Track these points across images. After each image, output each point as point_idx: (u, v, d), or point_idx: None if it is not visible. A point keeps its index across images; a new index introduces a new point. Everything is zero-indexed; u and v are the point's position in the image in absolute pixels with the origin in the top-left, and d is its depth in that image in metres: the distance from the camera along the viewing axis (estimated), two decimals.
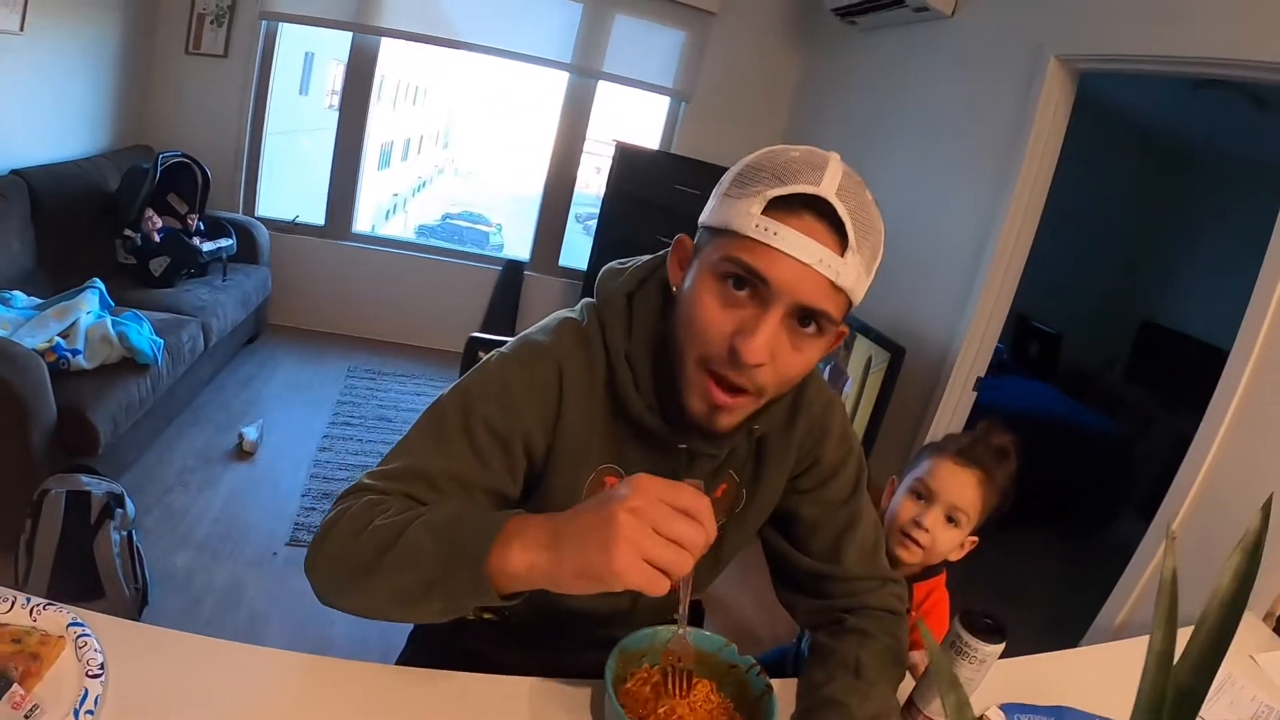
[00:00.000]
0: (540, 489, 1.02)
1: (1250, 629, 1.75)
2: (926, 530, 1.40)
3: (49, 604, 0.91)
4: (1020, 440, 1.46)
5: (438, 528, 0.82)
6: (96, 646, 0.86)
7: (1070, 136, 2.98)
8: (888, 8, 3.68)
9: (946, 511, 1.41)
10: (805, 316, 0.86)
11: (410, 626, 1.37)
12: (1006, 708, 1.15)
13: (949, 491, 1.41)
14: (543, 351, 0.99)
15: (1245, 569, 0.61)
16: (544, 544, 0.76)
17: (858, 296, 0.88)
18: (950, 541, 1.42)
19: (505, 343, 1.06)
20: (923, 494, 1.44)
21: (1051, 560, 4.00)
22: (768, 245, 0.82)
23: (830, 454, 1.11)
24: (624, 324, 1.00)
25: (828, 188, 0.82)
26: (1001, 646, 1.01)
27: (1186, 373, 4.87)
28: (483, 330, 4.87)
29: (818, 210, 0.83)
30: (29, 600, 0.90)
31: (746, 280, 0.85)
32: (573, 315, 1.04)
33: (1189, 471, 2.15)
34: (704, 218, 0.92)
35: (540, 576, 0.76)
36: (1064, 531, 4.25)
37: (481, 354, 1.30)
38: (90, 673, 0.83)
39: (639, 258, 1.06)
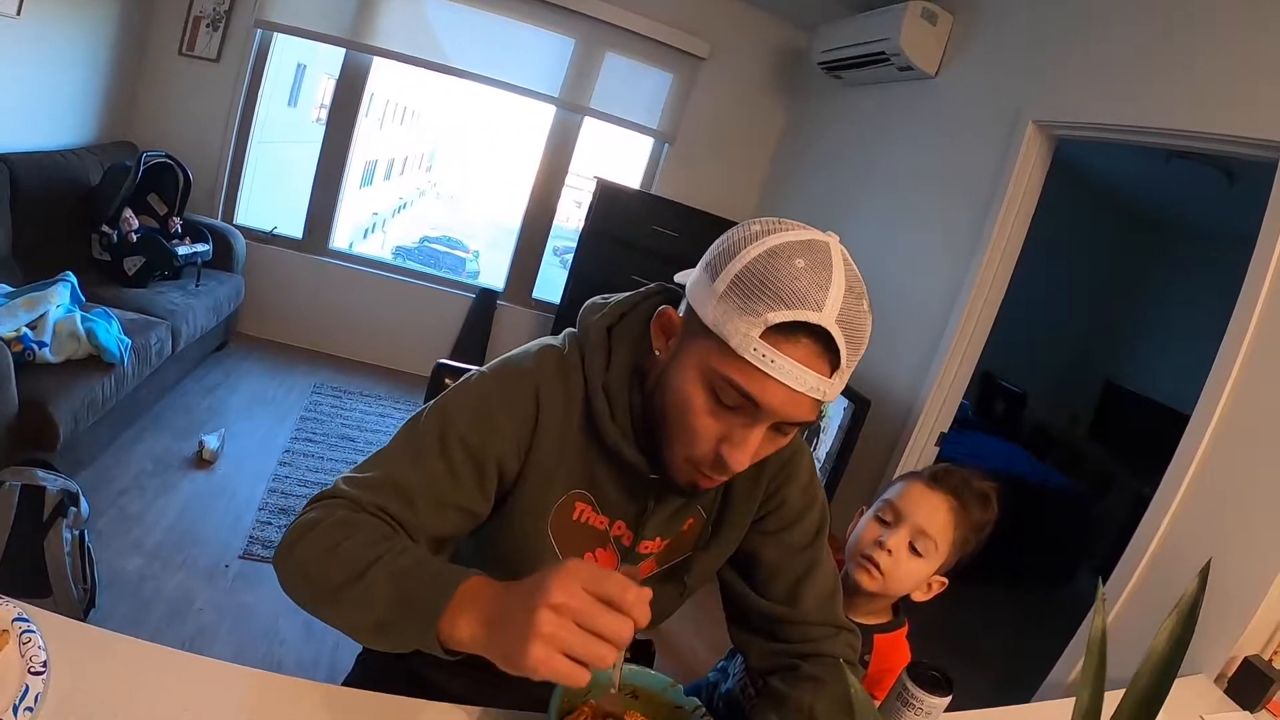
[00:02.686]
0: (507, 506, 1.03)
1: (1201, 692, 1.79)
2: (889, 552, 1.36)
3: None
4: (1000, 490, 1.43)
5: (396, 576, 0.82)
6: (41, 644, 0.85)
7: (1043, 198, 3.04)
8: (874, 65, 3.77)
9: (912, 535, 1.36)
10: (786, 424, 0.90)
11: (359, 648, 1.36)
12: None
13: (917, 513, 1.37)
14: (522, 375, 1.01)
15: (1180, 632, 0.62)
16: (483, 622, 0.77)
17: (835, 397, 0.91)
18: (914, 573, 1.38)
19: (470, 371, 1.07)
20: (888, 518, 1.40)
21: (1008, 617, 4.03)
22: (763, 372, 0.83)
23: (795, 498, 1.13)
24: (603, 356, 1.01)
25: (829, 314, 0.82)
26: (948, 699, 1.02)
27: (1147, 434, 4.97)
28: (452, 357, 4.87)
29: (816, 335, 0.83)
30: None
31: (738, 398, 0.87)
32: (555, 344, 1.05)
33: (1145, 533, 2.17)
34: (694, 299, 0.91)
35: (479, 649, 0.77)
36: (1021, 589, 4.29)
37: (449, 380, 1.32)
38: (33, 669, 0.82)
39: (619, 294, 1.08)
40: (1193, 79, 2.34)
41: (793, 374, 0.83)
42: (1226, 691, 1.79)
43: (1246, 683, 1.77)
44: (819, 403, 0.88)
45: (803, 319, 0.81)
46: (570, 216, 5.85)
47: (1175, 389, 4.95)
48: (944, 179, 3.39)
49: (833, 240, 0.88)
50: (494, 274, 5.70)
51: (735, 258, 0.86)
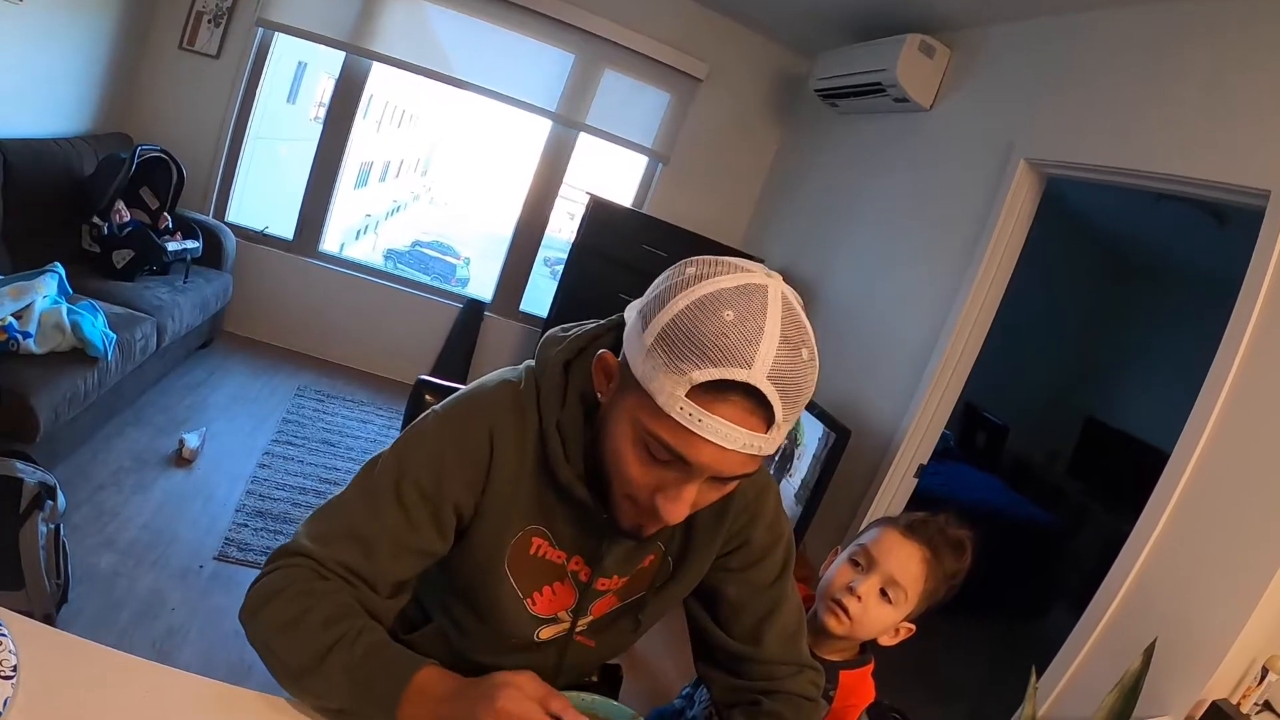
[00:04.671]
0: (465, 542, 1.04)
1: None
2: (859, 598, 1.36)
3: None
4: (975, 538, 1.43)
5: (351, 668, 0.87)
6: (11, 648, 0.84)
7: (1032, 233, 3.07)
8: (869, 95, 3.81)
9: (883, 583, 1.37)
10: (725, 479, 0.89)
11: None
12: None
13: (889, 561, 1.37)
14: (476, 415, 1.01)
15: (1120, 708, 0.63)
16: (433, 715, 0.84)
17: (775, 450, 0.88)
18: (882, 620, 1.39)
19: (454, 390, 1.08)
20: (862, 562, 1.40)
21: (979, 650, 4.03)
22: (690, 431, 0.80)
23: (760, 537, 1.12)
24: (559, 393, 1.00)
25: (759, 371, 0.78)
26: None
27: (1126, 471, 5.01)
28: (437, 365, 4.89)
29: (746, 393, 0.79)
30: None
31: (668, 454, 0.84)
32: (511, 379, 1.04)
33: (1119, 572, 2.18)
34: (628, 347, 0.88)
35: None
36: (995, 623, 4.30)
37: (429, 397, 1.34)
38: (2, 674, 0.81)
39: (582, 324, 1.06)
40: (1183, 124, 2.38)
41: (721, 433, 0.80)
42: None
43: None
44: (756, 458, 0.85)
45: (729, 377, 0.77)
46: (563, 227, 5.85)
47: (1156, 427, 5.00)
48: (934, 211, 3.43)
49: (774, 283, 0.82)
50: (483, 282, 5.69)
51: (664, 307, 0.82)
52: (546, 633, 1.09)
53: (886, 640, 1.44)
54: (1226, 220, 3.90)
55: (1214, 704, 1.82)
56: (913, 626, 1.44)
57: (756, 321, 0.78)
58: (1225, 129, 2.24)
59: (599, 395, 0.95)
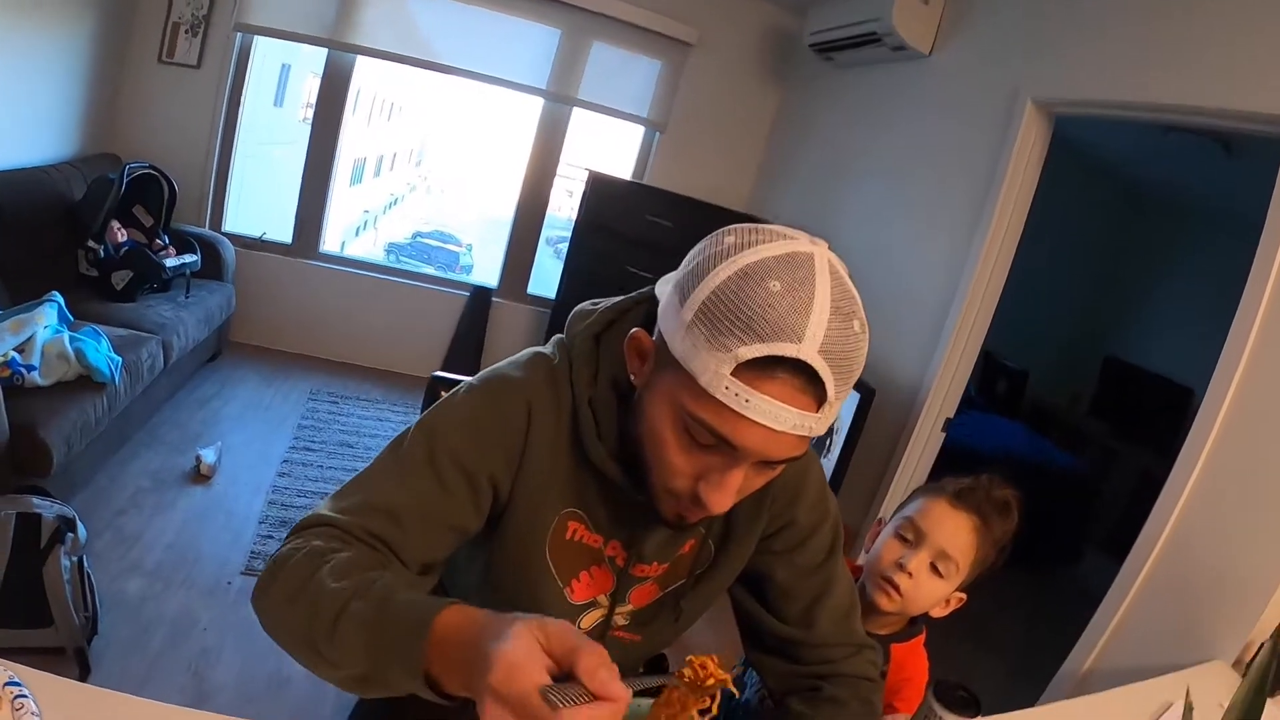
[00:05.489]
0: (501, 529, 0.98)
1: (1218, 679, 1.76)
2: (909, 574, 1.32)
3: None
4: (1020, 497, 1.39)
5: (367, 626, 0.74)
6: (34, 709, 0.82)
7: (1042, 175, 2.99)
8: (865, 45, 3.71)
9: (934, 557, 1.33)
10: (772, 462, 0.83)
11: None
12: None
13: (939, 534, 1.33)
14: (513, 386, 0.95)
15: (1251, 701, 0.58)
16: (460, 679, 0.69)
17: (826, 430, 0.83)
18: (933, 593, 1.34)
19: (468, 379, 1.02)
20: (910, 536, 1.36)
21: (1017, 601, 4.00)
22: (737, 413, 0.75)
23: (804, 517, 1.08)
24: (590, 367, 0.95)
25: (810, 345, 0.72)
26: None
27: (1148, 408, 4.96)
28: (448, 356, 4.86)
29: (796, 369, 0.74)
30: None
31: (712, 438, 0.79)
32: (545, 351, 1.00)
33: (1159, 518, 2.13)
34: (664, 324, 0.83)
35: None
36: (1029, 571, 4.27)
37: (444, 393, 1.28)
38: None
39: (609, 299, 1.01)
40: (1193, 54, 2.29)
41: (771, 413, 0.74)
42: (1244, 677, 1.76)
43: None
44: (806, 439, 0.79)
45: (779, 353, 0.72)
46: (563, 205, 5.80)
47: (1175, 362, 4.94)
48: (942, 160, 3.35)
49: (819, 250, 0.78)
50: (488, 267, 5.66)
51: (704, 280, 0.77)
52: (587, 621, 1.05)
53: (938, 612, 1.40)
54: (1234, 149, 3.81)
55: (1263, 646, 1.77)
56: (963, 596, 1.39)
57: (805, 292, 0.73)
58: (1237, 56, 2.15)
59: (632, 377, 0.89)
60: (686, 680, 0.77)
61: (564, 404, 0.95)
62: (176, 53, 4.08)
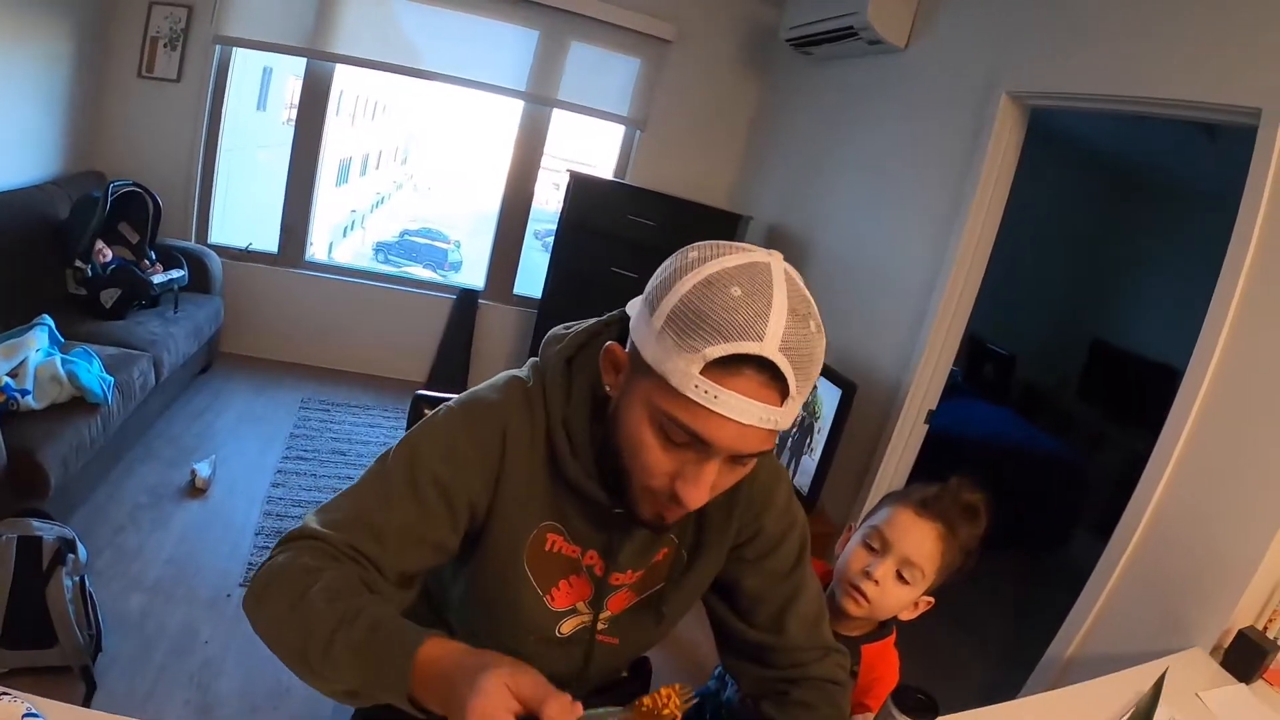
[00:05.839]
0: (482, 544, 1.04)
1: (1197, 666, 1.81)
2: (876, 582, 1.37)
3: (4, 693, 0.90)
4: (989, 500, 1.43)
5: (356, 648, 0.82)
6: None
7: (1022, 159, 3.03)
8: (842, 39, 3.74)
9: (899, 565, 1.37)
10: (743, 457, 0.89)
11: None
12: None
13: (905, 543, 1.37)
14: (489, 410, 1.01)
15: None
16: (440, 703, 0.79)
17: (791, 424, 0.89)
18: (900, 599, 1.39)
19: (450, 399, 1.08)
20: (877, 545, 1.40)
21: (1004, 585, 4.07)
22: (707, 409, 0.82)
23: (772, 525, 1.13)
24: (563, 390, 1.01)
25: (770, 344, 0.79)
26: None
27: (1135, 390, 5.01)
28: (437, 360, 4.92)
29: (759, 366, 0.81)
30: None
31: (686, 435, 0.85)
32: (520, 375, 1.06)
33: (1139, 501, 2.18)
34: (637, 335, 0.89)
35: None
36: (1017, 555, 4.33)
37: (427, 410, 1.34)
38: None
39: (581, 322, 1.07)
40: (1168, 45, 2.33)
41: (738, 408, 0.81)
42: (1222, 664, 1.82)
43: (1242, 654, 1.80)
44: (773, 433, 0.86)
45: (743, 351, 0.79)
46: (549, 199, 5.81)
47: (1162, 344, 4.99)
48: (920, 152, 3.39)
49: (775, 259, 0.85)
50: (477, 263, 5.67)
51: (671, 290, 0.84)
52: (567, 627, 1.11)
53: (906, 615, 1.45)
54: (1217, 134, 3.85)
55: (1241, 632, 1.83)
56: (931, 600, 1.44)
57: (764, 296, 0.80)
58: (1211, 48, 2.19)
59: (608, 389, 0.95)
60: (645, 708, 0.83)
61: (538, 424, 1.01)
62: (156, 67, 4.09)
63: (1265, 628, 1.86)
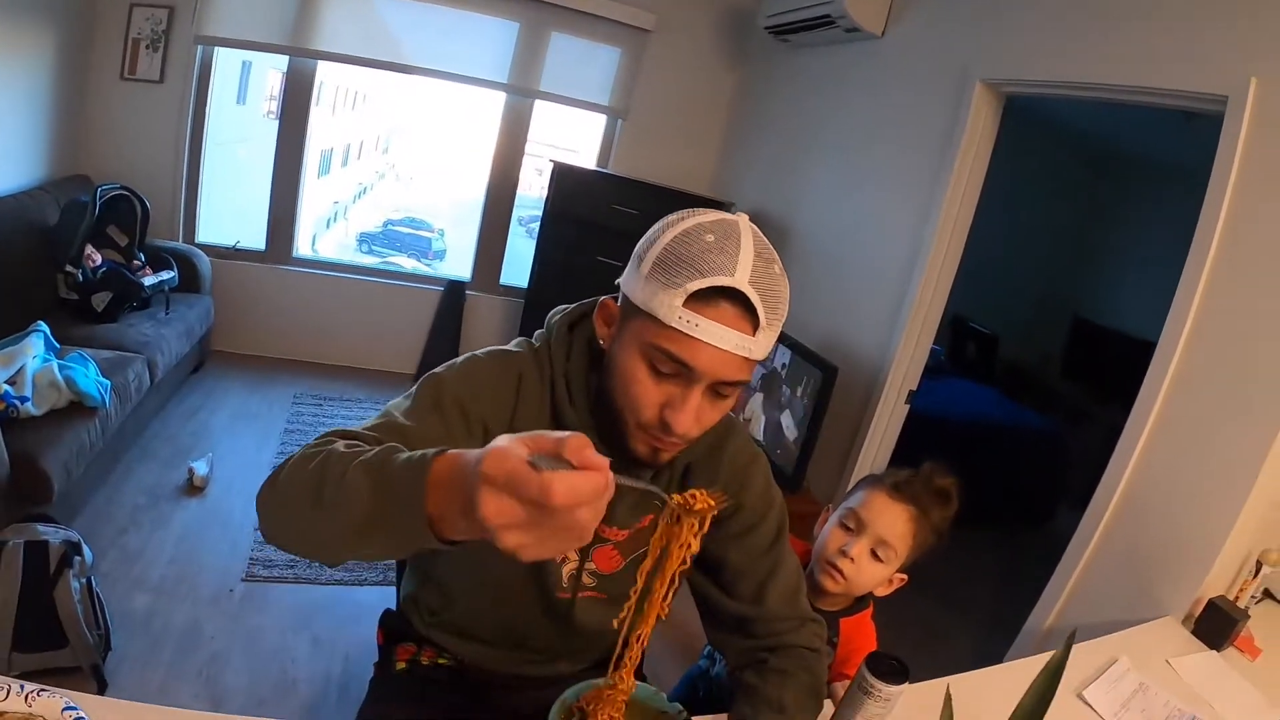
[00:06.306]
0: None
1: (1168, 635, 1.89)
2: (851, 560, 1.45)
3: (43, 689, 0.95)
4: (960, 482, 1.50)
5: (372, 469, 0.80)
6: None
7: (1001, 141, 3.09)
8: (819, 27, 3.79)
9: (874, 544, 1.45)
10: (723, 386, 1.00)
11: (370, 658, 1.46)
12: None
13: (878, 524, 1.45)
14: (508, 356, 1.16)
15: (1045, 690, 0.68)
16: (459, 514, 0.71)
17: (765, 355, 1.00)
18: (875, 576, 1.47)
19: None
20: (852, 525, 1.48)
21: (991, 560, 4.16)
22: (690, 336, 0.94)
23: (752, 502, 1.23)
24: (564, 349, 1.16)
25: (741, 277, 0.92)
26: (904, 687, 1.13)
27: (1117, 367, 5.09)
28: (426, 351, 4.97)
29: (733, 298, 0.93)
30: (23, 687, 0.94)
31: (672, 364, 0.97)
32: (529, 340, 1.20)
33: (1113, 475, 2.26)
34: (627, 287, 1.02)
35: (473, 536, 0.72)
36: (1003, 530, 4.42)
37: None
38: None
39: (580, 302, 1.21)
40: (1138, 34, 2.40)
41: (717, 334, 0.93)
42: (1194, 632, 1.90)
43: (1213, 623, 1.88)
44: (749, 362, 0.98)
45: (718, 284, 0.92)
46: (532, 184, 5.84)
47: (1141, 320, 5.06)
48: (897, 138, 3.45)
49: (741, 218, 0.99)
50: (462, 252, 5.71)
51: (655, 243, 0.98)
52: (560, 571, 1.22)
53: (881, 591, 1.53)
54: (1195, 115, 3.90)
55: (1211, 601, 1.91)
56: (904, 576, 1.53)
57: (734, 241, 0.94)
58: (1180, 37, 2.26)
59: (601, 341, 1.09)
60: (677, 503, 0.90)
61: (544, 379, 1.15)
62: (139, 69, 4.10)
63: (1236, 598, 1.94)
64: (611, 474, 0.67)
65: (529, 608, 1.25)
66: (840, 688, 1.27)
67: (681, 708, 1.09)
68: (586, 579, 1.23)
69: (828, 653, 1.28)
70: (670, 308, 0.94)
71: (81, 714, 0.94)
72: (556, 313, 1.21)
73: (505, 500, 0.64)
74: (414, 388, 1.10)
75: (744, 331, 0.94)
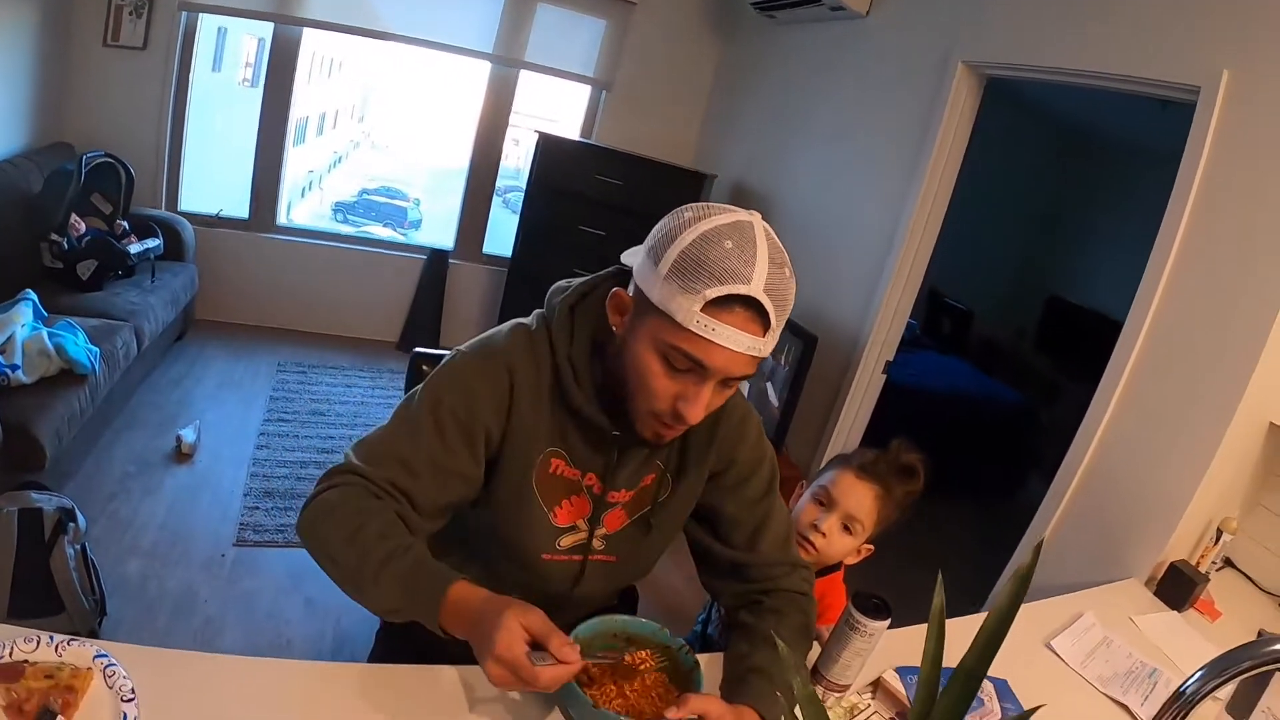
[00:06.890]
0: (497, 467, 1.21)
1: (1132, 595, 1.99)
2: (823, 534, 1.58)
3: (72, 639, 1.00)
4: (928, 460, 1.62)
5: (402, 578, 1.03)
6: (124, 674, 0.97)
7: (980, 121, 3.16)
8: (805, 4, 3.83)
9: (843, 519, 1.59)
10: (731, 379, 1.06)
11: (361, 618, 1.48)
12: (901, 670, 1.38)
13: (848, 500, 1.58)
14: (496, 353, 1.18)
15: (1017, 592, 0.76)
16: (465, 631, 0.99)
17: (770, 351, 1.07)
18: (844, 547, 1.60)
19: (448, 354, 1.24)
20: (824, 501, 1.61)
21: (966, 528, 4.27)
22: (707, 339, 0.99)
23: (745, 455, 1.31)
24: (567, 332, 1.19)
25: (756, 286, 0.97)
26: (887, 622, 1.22)
27: (1089, 343, 5.20)
28: (409, 319, 5.01)
29: (747, 304, 0.99)
30: (53, 638, 1.00)
31: (688, 362, 1.03)
32: (525, 323, 1.23)
33: (1082, 442, 2.37)
34: (642, 282, 1.06)
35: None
36: (976, 500, 4.53)
37: (425, 367, 1.56)
38: (125, 698, 0.94)
39: (580, 277, 1.24)
40: (1117, 23, 2.47)
41: (732, 338, 0.99)
42: (1156, 593, 2.00)
43: (1174, 585, 1.98)
44: (756, 358, 1.04)
45: (735, 292, 0.97)
46: (510, 154, 5.84)
47: (1112, 299, 5.16)
48: (880, 116, 3.50)
49: (755, 219, 1.03)
50: (438, 221, 5.73)
51: (673, 244, 1.01)
52: (566, 541, 1.27)
53: (851, 560, 1.67)
54: (1170, 101, 3.97)
55: (1173, 564, 2.01)
56: (871, 547, 1.67)
57: (751, 248, 0.99)
58: (1157, 28, 2.34)
59: (614, 328, 1.12)
60: (625, 664, 1.13)
61: (543, 362, 1.19)
62: (121, 35, 4.05)
63: (1198, 563, 2.04)
64: (582, 659, 0.97)
65: (534, 574, 1.30)
66: (823, 630, 1.36)
67: (684, 641, 1.16)
68: (597, 543, 1.29)
69: (814, 601, 1.37)
70: (689, 312, 0.99)
71: (113, 661, 0.99)
72: (557, 293, 1.24)
73: (506, 671, 0.92)
74: (415, 398, 1.17)
75: (755, 334, 1.00)
